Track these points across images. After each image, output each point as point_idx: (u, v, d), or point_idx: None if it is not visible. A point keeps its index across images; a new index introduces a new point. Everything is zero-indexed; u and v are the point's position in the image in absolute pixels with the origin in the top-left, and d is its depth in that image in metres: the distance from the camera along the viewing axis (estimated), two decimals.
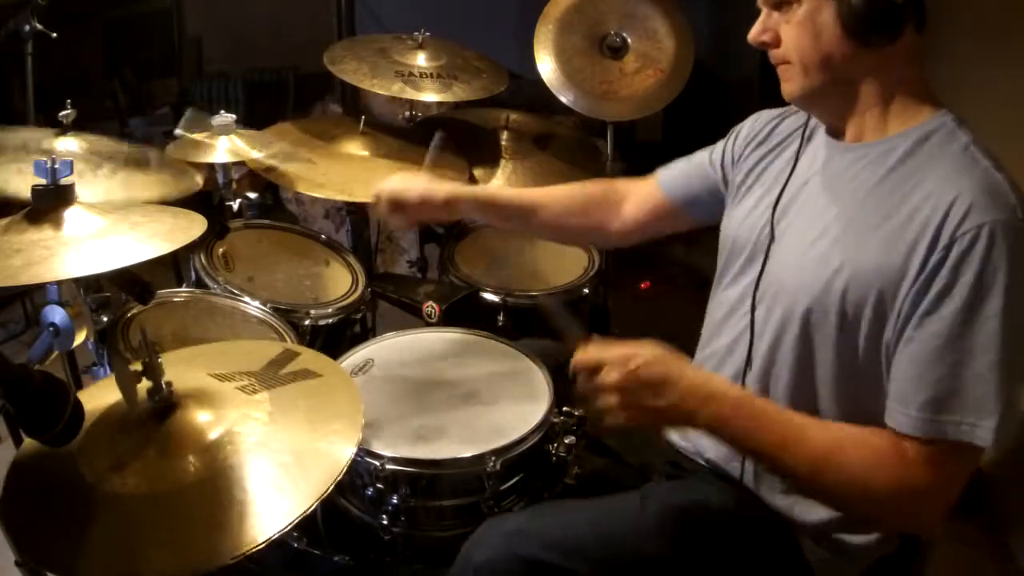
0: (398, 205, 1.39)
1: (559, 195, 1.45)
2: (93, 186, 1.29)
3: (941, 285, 0.93)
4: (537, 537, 1.08)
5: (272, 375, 1.13)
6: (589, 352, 1.03)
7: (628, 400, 1.00)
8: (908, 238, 0.96)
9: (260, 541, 0.87)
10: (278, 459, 0.97)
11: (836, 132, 1.11)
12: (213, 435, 0.99)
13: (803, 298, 1.05)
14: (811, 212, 1.09)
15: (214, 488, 0.94)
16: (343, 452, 0.99)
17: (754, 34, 1.08)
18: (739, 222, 1.23)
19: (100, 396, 1.07)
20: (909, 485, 0.96)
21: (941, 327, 0.94)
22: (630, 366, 1.00)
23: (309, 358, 1.19)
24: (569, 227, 1.45)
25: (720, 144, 1.35)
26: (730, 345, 1.18)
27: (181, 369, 1.09)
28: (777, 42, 1.07)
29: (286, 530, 0.89)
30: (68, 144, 1.35)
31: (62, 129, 1.36)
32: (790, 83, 1.08)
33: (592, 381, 1.01)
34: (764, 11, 1.08)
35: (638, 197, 1.41)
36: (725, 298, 1.22)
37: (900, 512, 1.00)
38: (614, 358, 1.01)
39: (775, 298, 1.10)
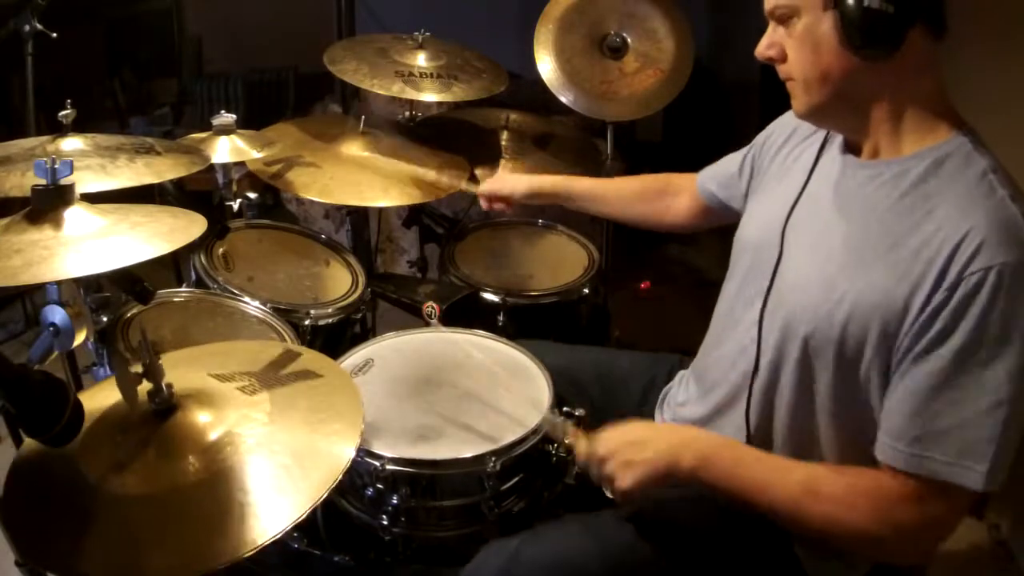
0: (496, 198, 1.72)
1: (624, 187, 1.64)
2: (121, 173, 1.29)
3: (943, 325, 0.92)
4: (536, 562, 1.08)
5: (272, 376, 1.13)
6: (585, 445, 1.14)
7: (618, 461, 1.08)
8: (915, 272, 0.94)
9: (260, 542, 0.87)
10: (278, 460, 0.97)
11: (851, 146, 1.10)
12: (213, 436, 0.99)
13: (804, 324, 1.04)
14: (820, 229, 1.07)
15: (214, 489, 0.94)
16: (343, 453, 0.99)
17: (760, 49, 1.07)
18: (752, 227, 1.22)
19: (100, 396, 1.07)
20: (891, 522, 0.96)
21: (939, 366, 0.92)
22: (611, 433, 1.12)
23: (309, 358, 1.19)
24: (630, 215, 1.62)
25: (748, 148, 1.37)
26: (736, 354, 1.18)
27: (181, 370, 1.09)
28: (783, 57, 1.05)
29: (285, 531, 0.88)
30: (75, 143, 1.35)
31: (65, 130, 1.36)
32: (796, 100, 1.06)
33: (592, 466, 1.12)
34: (771, 25, 1.06)
35: (690, 193, 1.52)
36: (735, 303, 1.21)
37: (883, 547, 1.00)
38: (600, 437, 1.12)
39: (779, 315, 1.10)
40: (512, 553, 1.10)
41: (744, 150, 1.38)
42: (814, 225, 1.09)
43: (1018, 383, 0.90)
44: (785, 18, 1.03)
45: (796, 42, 1.02)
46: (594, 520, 1.15)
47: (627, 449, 1.08)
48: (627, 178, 1.66)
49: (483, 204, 1.77)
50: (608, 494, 1.12)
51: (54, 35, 1.92)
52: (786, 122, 1.27)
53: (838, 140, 1.13)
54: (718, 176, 1.44)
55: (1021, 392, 0.91)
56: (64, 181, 1.04)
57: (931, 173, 0.98)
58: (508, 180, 1.74)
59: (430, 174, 1.87)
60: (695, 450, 1.06)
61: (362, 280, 1.80)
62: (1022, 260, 0.90)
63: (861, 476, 0.99)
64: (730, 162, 1.41)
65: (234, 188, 1.79)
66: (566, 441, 1.20)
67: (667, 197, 1.57)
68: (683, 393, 1.34)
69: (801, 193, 1.13)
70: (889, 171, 1.02)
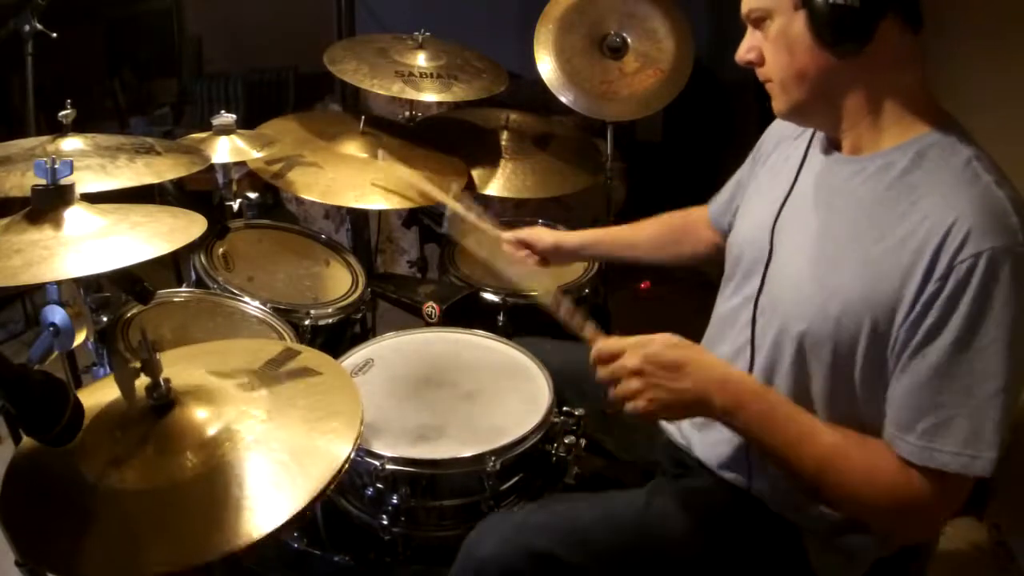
0: (523, 244, 1.62)
1: (649, 232, 1.59)
2: (121, 173, 1.29)
3: (938, 315, 0.92)
4: (542, 529, 1.08)
5: (271, 373, 1.13)
6: (608, 342, 1.06)
7: (648, 382, 1.02)
8: (903, 263, 0.94)
9: (256, 537, 0.87)
10: (276, 457, 0.97)
11: (834, 143, 1.10)
12: (211, 432, 0.99)
13: (798, 321, 1.04)
14: (809, 228, 1.08)
15: (212, 485, 0.94)
16: (341, 451, 0.99)
17: (740, 53, 1.08)
18: (744, 229, 1.23)
19: (99, 394, 1.07)
20: (907, 501, 0.96)
21: (938, 358, 0.92)
22: (649, 349, 1.03)
23: (309, 357, 1.19)
24: (660, 258, 1.58)
25: (740, 170, 1.37)
26: (732, 355, 1.18)
27: (180, 367, 1.09)
28: (761, 60, 1.06)
29: (280, 528, 0.88)
30: (75, 143, 1.35)
31: (65, 130, 1.36)
32: (776, 101, 1.07)
33: (612, 369, 1.04)
34: (749, 29, 1.06)
35: (705, 224, 1.49)
36: (729, 306, 1.22)
37: (896, 522, 1.01)
38: (633, 343, 1.04)
39: (772, 315, 1.10)
40: (517, 520, 1.10)
41: (738, 173, 1.39)
42: (803, 224, 1.09)
43: (1015, 367, 0.91)
44: (760, 21, 1.04)
45: (772, 44, 1.03)
46: (602, 499, 1.15)
47: (660, 372, 1.02)
48: (649, 221, 1.61)
49: (507, 248, 1.66)
50: (612, 402, 1.05)
51: (54, 35, 1.92)
52: (776, 127, 1.28)
53: (822, 138, 1.13)
54: (722, 205, 1.43)
55: (1018, 376, 0.91)
56: (64, 181, 1.04)
57: (915, 164, 0.98)
58: (537, 232, 1.65)
59: (423, 185, 1.80)
60: (730, 393, 1.02)
61: (362, 280, 1.80)
62: (1011, 244, 0.90)
63: (883, 455, 0.98)
64: (729, 189, 1.41)
65: (234, 188, 1.79)
66: (583, 334, 1.12)
67: (690, 233, 1.54)
68: None
69: (789, 193, 1.13)
70: (873, 165, 1.02)
